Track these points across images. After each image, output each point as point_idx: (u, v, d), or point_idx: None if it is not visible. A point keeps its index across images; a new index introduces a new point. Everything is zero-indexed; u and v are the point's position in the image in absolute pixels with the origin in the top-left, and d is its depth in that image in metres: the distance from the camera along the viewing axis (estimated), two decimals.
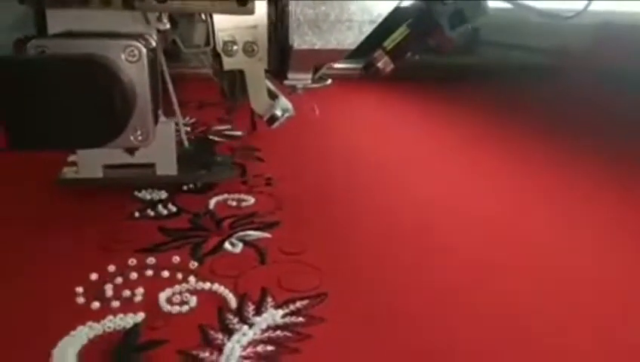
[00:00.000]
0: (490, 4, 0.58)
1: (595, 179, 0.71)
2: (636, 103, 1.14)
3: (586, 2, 0.60)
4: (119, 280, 0.43)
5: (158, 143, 0.55)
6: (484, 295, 0.44)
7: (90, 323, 0.38)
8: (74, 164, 0.61)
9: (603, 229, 0.57)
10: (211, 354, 0.35)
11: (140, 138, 0.51)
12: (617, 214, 0.61)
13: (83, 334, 0.37)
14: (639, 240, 0.55)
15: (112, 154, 0.57)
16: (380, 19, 0.53)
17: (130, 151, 0.57)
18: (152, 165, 0.60)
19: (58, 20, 0.51)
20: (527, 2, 0.61)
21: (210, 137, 0.84)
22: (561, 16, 0.61)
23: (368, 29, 0.53)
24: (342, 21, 0.52)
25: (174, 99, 0.62)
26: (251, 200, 0.61)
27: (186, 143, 0.66)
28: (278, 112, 0.58)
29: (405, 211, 0.60)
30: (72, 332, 0.37)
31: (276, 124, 0.59)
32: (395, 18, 0.56)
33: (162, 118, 0.59)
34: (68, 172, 0.61)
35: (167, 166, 0.61)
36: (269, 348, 0.36)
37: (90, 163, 0.59)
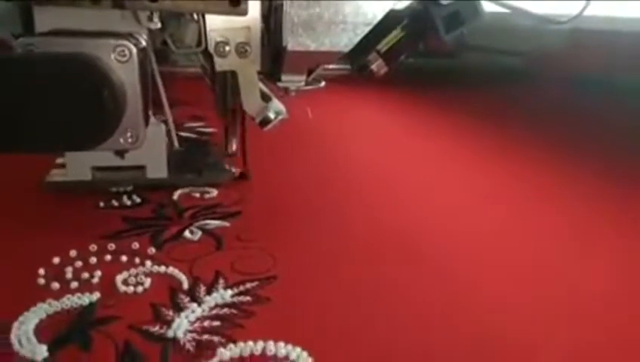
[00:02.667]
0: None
1: (589, 181, 0.72)
2: (620, 107, 1.15)
3: (583, 6, 0.60)
4: (79, 263, 0.46)
5: (149, 145, 0.54)
6: (441, 295, 0.45)
7: (49, 300, 0.40)
8: (62, 166, 0.60)
9: (600, 231, 0.58)
10: (161, 328, 0.38)
11: (130, 140, 0.50)
12: (613, 215, 0.62)
13: (42, 310, 0.39)
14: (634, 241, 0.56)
15: (101, 156, 0.57)
16: (374, 21, 0.52)
17: (120, 153, 0.57)
18: (142, 167, 0.60)
19: (46, 18, 0.50)
20: (521, 6, 0.60)
21: (182, 134, 0.87)
22: (556, 21, 0.61)
23: (363, 31, 0.52)
24: (336, 23, 0.51)
25: (165, 100, 0.60)
26: (215, 192, 0.63)
27: (177, 145, 0.64)
28: (271, 115, 0.57)
29: (372, 207, 0.62)
30: (32, 309, 0.39)
31: (269, 127, 0.58)
32: (389, 20, 0.55)
33: (152, 120, 0.58)
34: (56, 174, 0.60)
35: (158, 168, 0.61)
36: (215, 323, 0.39)
37: (78, 165, 0.59)
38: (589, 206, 0.64)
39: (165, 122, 0.61)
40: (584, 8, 0.60)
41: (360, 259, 0.51)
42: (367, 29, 0.52)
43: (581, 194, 0.68)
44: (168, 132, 0.62)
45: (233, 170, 0.68)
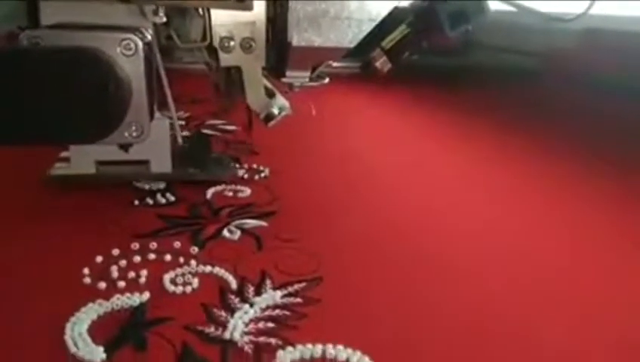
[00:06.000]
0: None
1: (591, 180, 0.72)
2: (628, 106, 1.15)
3: (587, 5, 0.60)
4: (123, 262, 0.45)
5: (153, 140, 0.53)
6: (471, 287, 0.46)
7: (99, 300, 0.40)
8: (66, 159, 0.60)
9: (602, 231, 0.58)
10: (216, 329, 0.38)
11: (134, 134, 0.50)
12: (613, 216, 0.62)
13: (93, 311, 0.39)
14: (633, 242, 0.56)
15: (105, 150, 0.56)
16: (379, 18, 0.52)
17: (125, 147, 0.56)
18: (145, 162, 0.60)
19: (51, 12, 0.50)
20: (527, 4, 0.60)
21: (205, 131, 0.86)
22: (562, 19, 0.61)
23: (368, 28, 0.52)
24: (341, 18, 0.51)
25: (169, 95, 0.59)
26: (247, 191, 0.63)
27: (180, 140, 0.63)
28: (275, 110, 0.58)
29: (398, 205, 0.62)
30: (83, 309, 0.38)
31: (272, 123, 0.58)
32: (394, 17, 0.55)
33: (157, 115, 0.57)
34: (59, 168, 0.60)
35: (162, 163, 0.60)
36: (270, 324, 0.39)
37: (82, 159, 0.58)
38: (593, 207, 0.64)
39: (170, 117, 0.60)
40: (589, 7, 0.61)
41: (402, 254, 0.51)
42: (372, 25, 0.52)
43: (586, 195, 0.68)
44: (172, 127, 0.61)
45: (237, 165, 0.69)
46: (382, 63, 0.58)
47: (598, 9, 0.63)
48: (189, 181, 0.62)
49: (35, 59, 0.44)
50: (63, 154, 0.62)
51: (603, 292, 0.46)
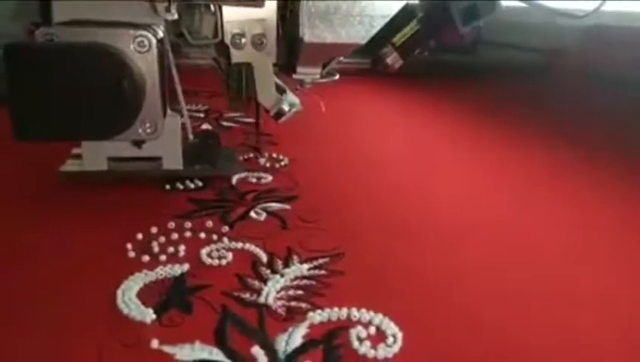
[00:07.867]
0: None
1: (597, 178, 0.74)
2: (633, 102, 1.17)
3: (599, 2, 0.60)
4: (162, 239, 0.49)
5: (165, 137, 0.54)
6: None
7: (145, 270, 0.44)
8: (78, 156, 0.60)
9: (606, 229, 0.59)
10: (251, 295, 0.42)
11: (148, 130, 0.51)
12: (620, 213, 0.63)
13: (140, 279, 0.43)
14: None
15: (117, 146, 0.57)
16: (391, 14, 0.52)
17: (138, 143, 0.57)
18: (157, 159, 0.60)
19: (64, 9, 0.51)
20: (539, 1, 0.61)
21: (225, 123, 0.90)
22: (573, 15, 0.60)
23: (379, 24, 0.52)
24: (353, 15, 0.51)
25: (180, 92, 0.60)
26: (269, 177, 0.67)
27: (191, 137, 0.63)
28: (285, 107, 0.58)
29: (414, 191, 0.66)
30: (131, 277, 0.43)
31: (283, 119, 0.59)
32: (405, 13, 0.55)
33: (169, 111, 0.58)
34: (71, 164, 0.60)
35: (173, 160, 0.60)
36: (299, 292, 0.43)
37: (94, 155, 0.58)
38: (598, 206, 0.65)
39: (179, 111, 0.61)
40: (601, 4, 0.61)
41: (416, 230, 0.55)
42: (383, 22, 0.53)
43: (594, 194, 0.68)
44: (183, 124, 0.62)
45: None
46: (393, 60, 0.59)
47: (609, 5, 0.62)
48: (200, 177, 0.63)
49: (50, 55, 0.45)
50: (75, 150, 0.62)
51: (603, 289, 0.47)
